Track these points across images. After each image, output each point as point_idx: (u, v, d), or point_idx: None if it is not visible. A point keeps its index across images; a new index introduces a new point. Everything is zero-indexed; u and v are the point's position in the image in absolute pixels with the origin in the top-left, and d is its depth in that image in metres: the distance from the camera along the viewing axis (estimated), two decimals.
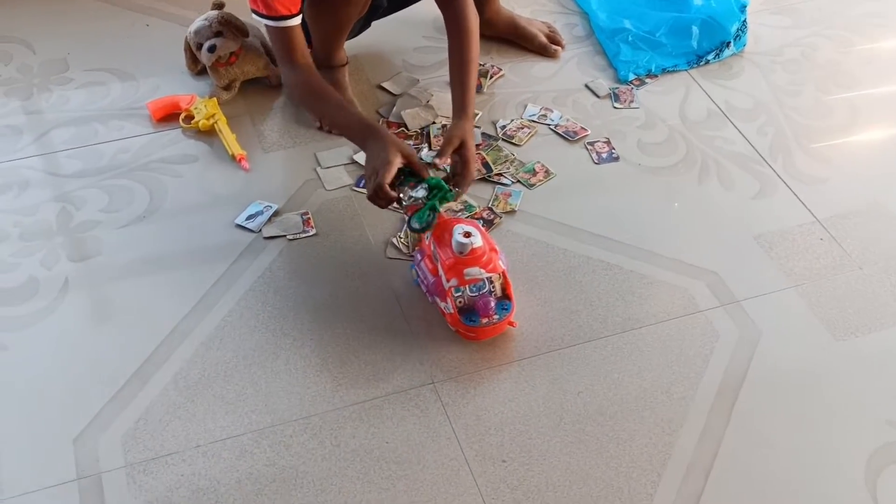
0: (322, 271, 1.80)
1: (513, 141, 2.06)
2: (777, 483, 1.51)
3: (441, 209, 1.69)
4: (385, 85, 2.19)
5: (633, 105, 2.17)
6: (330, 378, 1.63)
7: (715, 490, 1.49)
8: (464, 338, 1.69)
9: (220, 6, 2.12)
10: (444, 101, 2.10)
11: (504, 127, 2.09)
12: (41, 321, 1.70)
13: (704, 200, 1.96)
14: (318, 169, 1.99)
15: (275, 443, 1.54)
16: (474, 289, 1.65)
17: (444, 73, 2.11)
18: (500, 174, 1.99)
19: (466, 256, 1.63)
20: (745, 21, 2.30)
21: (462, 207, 1.90)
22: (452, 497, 1.48)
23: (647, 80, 2.24)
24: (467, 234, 1.63)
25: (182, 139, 2.06)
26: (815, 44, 2.37)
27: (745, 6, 2.32)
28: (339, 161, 2.01)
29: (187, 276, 1.78)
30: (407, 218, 1.70)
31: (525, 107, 2.15)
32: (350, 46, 2.17)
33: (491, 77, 2.22)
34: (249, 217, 1.88)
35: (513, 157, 2.03)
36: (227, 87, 2.13)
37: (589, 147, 2.06)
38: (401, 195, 1.70)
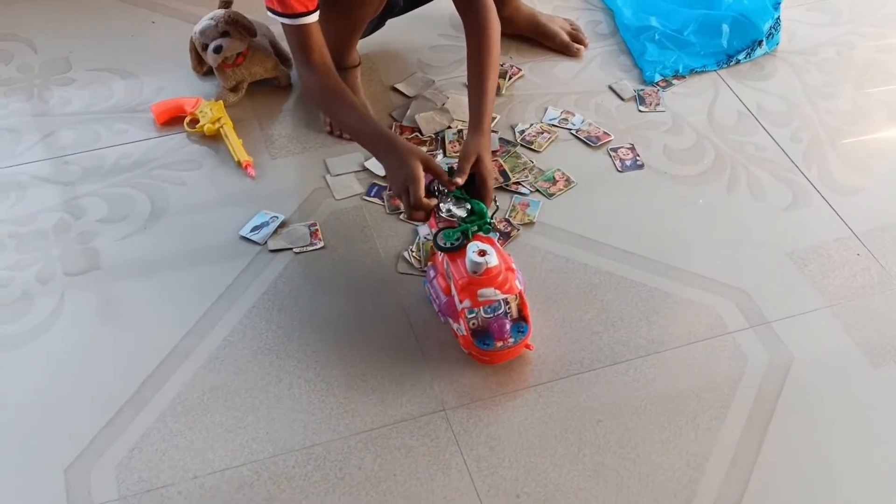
0: (329, 288, 1.71)
1: (532, 147, 1.97)
2: None
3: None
4: (399, 86, 2.10)
5: (658, 108, 2.06)
6: (335, 404, 1.55)
7: None
8: (477, 361, 1.60)
9: (227, 4, 2.02)
10: (460, 103, 2.01)
11: (523, 132, 1.99)
12: (34, 340, 1.62)
13: (734, 212, 1.86)
14: (328, 177, 1.90)
15: (276, 475, 1.46)
16: (489, 310, 1.56)
17: (462, 74, 2.02)
18: (519, 183, 1.89)
19: (481, 276, 1.53)
20: (778, 18, 2.18)
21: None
22: None
23: (674, 82, 2.13)
24: (482, 253, 1.53)
25: (186, 144, 1.97)
26: (853, 42, 2.25)
27: (779, 2, 2.20)
28: (349, 168, 1.92)
29: (188, 292, 1.70)
30: (433, 232, 1.61)
31: (545, 110, 2.05)
32: (362, 45, 2.07)
33: (510, 78, 2.12)
34: (254, 228, 1.79)
35: (532, 164, 1.93)
36: (234, 89, 2.04)
37: (612, 154, 1.96)
38: (440, 204, 1.60)
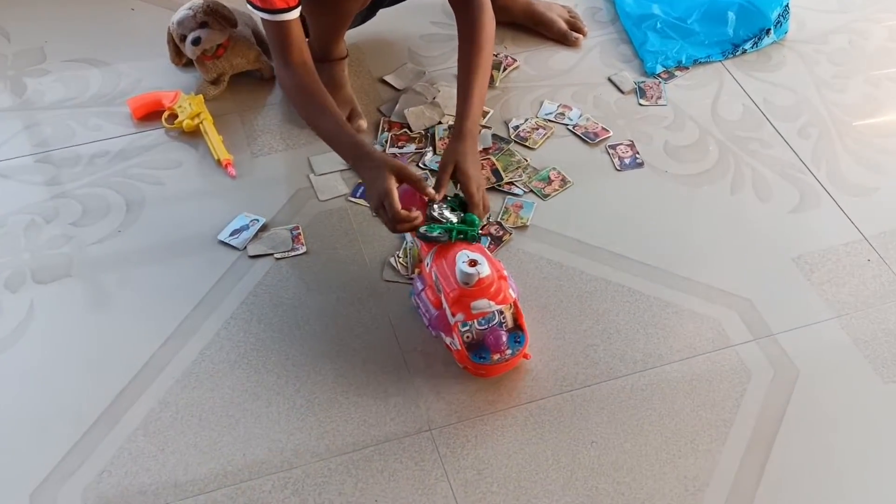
0: (311, 297, 1.63)
1: (526, 144, 1.87)
2: None
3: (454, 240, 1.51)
4: (388, 79, 2.00)
5: (660, 102, 1.96)
6: (316, 422, 1.47)
7: None
8: (473, 375, 1.52)
9: None
10: (451, 96, 1.90)
11: (517, 127, 1.90)
12: (1, 353, 1.54)
13: (737, 214, 1.77)
14: (312, 176, 1.82)
15: (252, 500, 1.38)
16: (483, 322, 1.47)
17: (454, 65, 1.91)
18: (511, 183, 1.80)
19: (473, 288, 1.45)
20: (787, 5, 2.08)
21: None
22: None
23: (677, 73, 2.03)
24: (473, 263, 1.44)
25: (164, 140, 1.88)
26: (865, 30, 2.15)
27: None
28: (334, 167, 1.83)
29: (163, 301, 1.61)
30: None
31: (541, 104, 1.95)
32: (350, 34, 1.97)
33: (504, 69, 2.02)
34: (234, 232, 1.71)
35: (526, 162, 1.84)
36: (215, 82, 1.95)
37: (611, 151, 1.87)
38: (435, 205, 1.53)
